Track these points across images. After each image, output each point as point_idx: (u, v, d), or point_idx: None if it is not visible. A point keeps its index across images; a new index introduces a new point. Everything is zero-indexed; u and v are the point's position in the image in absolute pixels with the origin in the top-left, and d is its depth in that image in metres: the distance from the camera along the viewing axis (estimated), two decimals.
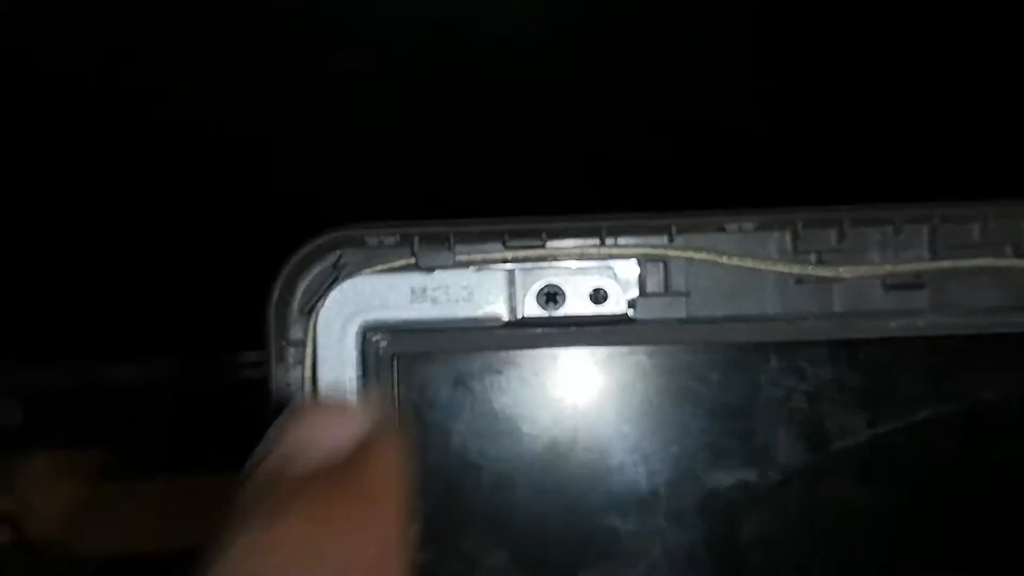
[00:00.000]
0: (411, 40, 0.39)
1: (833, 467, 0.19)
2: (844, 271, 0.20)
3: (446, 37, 0.39)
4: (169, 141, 0.42)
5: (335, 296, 0.20)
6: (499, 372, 0.20)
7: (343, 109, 0.41)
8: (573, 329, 0.20)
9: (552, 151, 0.41)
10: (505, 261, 0.20)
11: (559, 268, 0.20)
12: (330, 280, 0.20)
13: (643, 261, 0.20)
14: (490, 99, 0.40)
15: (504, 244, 0.20)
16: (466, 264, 0.20)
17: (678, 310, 0.20)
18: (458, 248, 0.20)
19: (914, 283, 0.20)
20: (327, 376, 0.20)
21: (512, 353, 0.20)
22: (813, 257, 0.20)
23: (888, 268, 0.20)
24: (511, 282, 0.20)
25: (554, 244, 0.20)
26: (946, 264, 0.20)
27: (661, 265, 0.20)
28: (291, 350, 0.20)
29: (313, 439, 0.14)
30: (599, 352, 0.20)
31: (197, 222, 0.43)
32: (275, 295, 0.20)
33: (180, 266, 0.44)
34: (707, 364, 0.20)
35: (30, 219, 0.43)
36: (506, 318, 0.20)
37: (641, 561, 0.20)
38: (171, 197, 0.43)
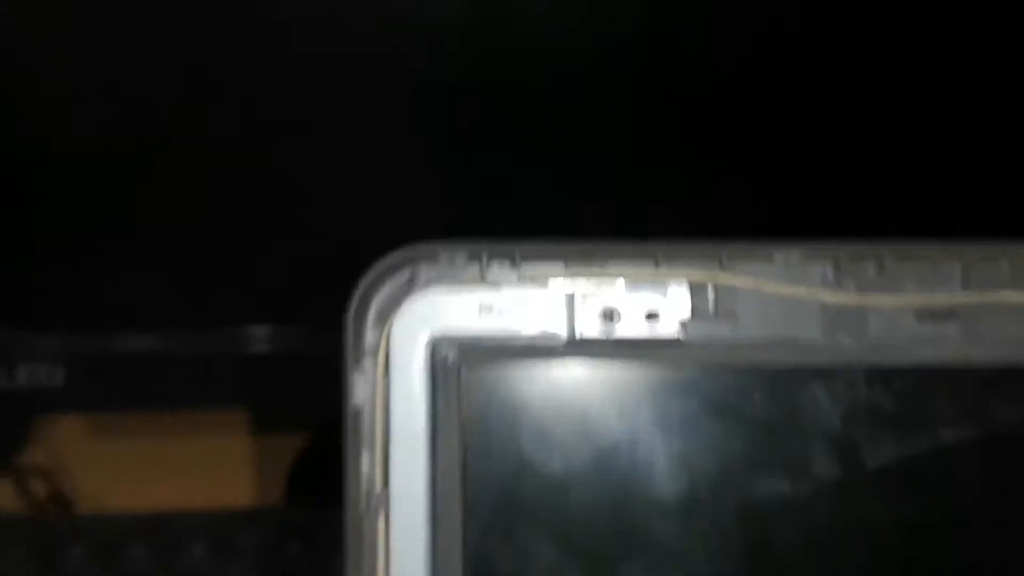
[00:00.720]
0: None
1: (863, 483, 0.21)
2: (881, 301, 0.21)
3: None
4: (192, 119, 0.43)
5: (408, 308, 0.22)
6: (558, 385, 0.22)
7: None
8: (628, 348, 0.22)
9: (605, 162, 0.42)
10: (566, 280, 0.22)
11: (616, 289, 0.22)
12: (404, 293, 0.22)
13: (694, 286, 0.22)
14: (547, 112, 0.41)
15: (565, 265, 0.22)
16: (530, 281, 0.22)
17: (725, 333, 0.22)
18: (523, 266, 0.22)
19: (946, 314, 0.21)
20: (399, 384, 0.22)
21: (571, 368, 0.22)
22: (853, 287, 0.22)
23: (922, 300, 0.21)
24: (571, 302, 0.22)
25: (611, 266, 0.22)
26: (976, 297, 0.21)
27: (711, 289, 0.22)
28: (367, 358, 0.22)
29: None
30: (651, 369, 0.22)
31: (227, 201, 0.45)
32: (354, 304, 0.22)
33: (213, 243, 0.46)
34: (750, 384, 0.21)
35: (74, 190, 0.44)
36: (565, 336, 0.22)
37: (682, 559, 0.22)
38: (199, 172, 0.44)
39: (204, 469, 0.54)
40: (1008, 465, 0.21)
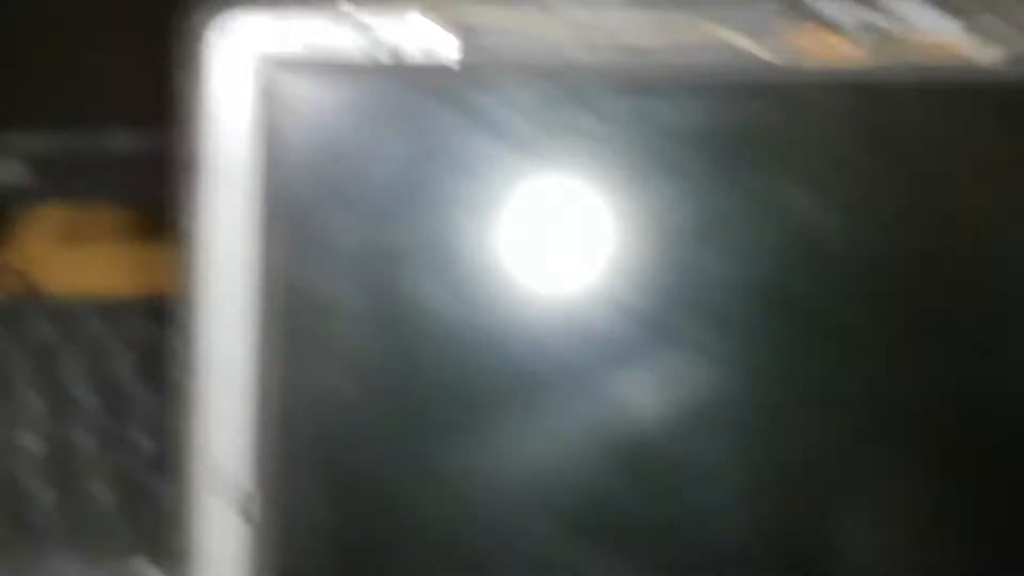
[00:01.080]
0: None
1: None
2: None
3: None
4: None
5: (236, 31, 0.27)
6: (354, 95, 0.28)
7: None
8: (415, 74, 0.28)
9: None
10: (360, 14, 0.28)
11: (406, 24, 0.28)
12: (229, 17, 0.28)
13: (460, 26, 0.28)
14: None
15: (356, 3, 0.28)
16: (333, 15, 0.28)
17: (482, 57, 0.28)
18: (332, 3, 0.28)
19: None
20: (227, 89, 0.28)
21: (365, 88, 0.28)
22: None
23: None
24: (367, 30, 0.28)
25: (402, 5, 0.28)
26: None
27: (471, 28, 0.28)
28: (203, 69, 0.28)
29: None
30: (431, 91, 0.28)
31: None
32: (192, 26, 0.28)
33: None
34: (509, 94, 0.28)
35: None
36: (364, 63, 0.28)
37: (419, 227, 0.28)
38: None
39: (152, 264, 0.59)
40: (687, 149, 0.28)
